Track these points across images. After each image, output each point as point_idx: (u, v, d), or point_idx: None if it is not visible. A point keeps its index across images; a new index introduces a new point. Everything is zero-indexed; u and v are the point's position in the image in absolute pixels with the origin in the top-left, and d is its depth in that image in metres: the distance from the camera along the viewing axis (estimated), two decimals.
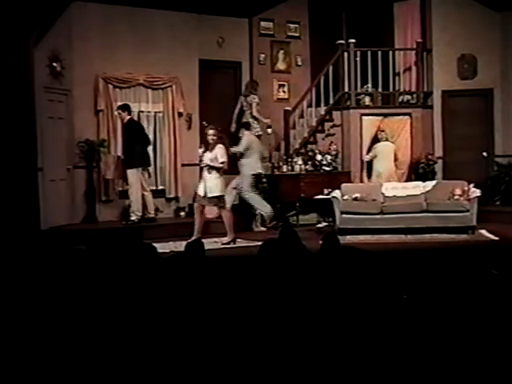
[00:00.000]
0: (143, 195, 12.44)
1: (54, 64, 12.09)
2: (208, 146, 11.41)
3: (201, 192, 11.38)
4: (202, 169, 11.67)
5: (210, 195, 11.31)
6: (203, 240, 6.09)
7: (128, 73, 13.15)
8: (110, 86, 13.00)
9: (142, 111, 13.46)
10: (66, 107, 12.53)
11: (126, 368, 3.75)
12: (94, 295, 4.47)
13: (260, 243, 5.43)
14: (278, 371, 3.64)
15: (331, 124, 14.14)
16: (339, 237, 7.31)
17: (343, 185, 12.85)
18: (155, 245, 5.89)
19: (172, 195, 13.69)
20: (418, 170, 13.78)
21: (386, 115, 14.05)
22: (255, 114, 13.96)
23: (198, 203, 11.54)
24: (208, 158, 11.29)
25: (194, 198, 11.98)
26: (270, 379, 3.62)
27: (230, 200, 12.10)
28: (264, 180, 13.26)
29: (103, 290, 4.57)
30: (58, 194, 12.09)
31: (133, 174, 12.24)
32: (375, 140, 13.87)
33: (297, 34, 15.01)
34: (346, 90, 14.10)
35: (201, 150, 11.60)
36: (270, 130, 13.95)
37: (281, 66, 14.94)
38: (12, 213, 10.14)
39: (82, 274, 4.89)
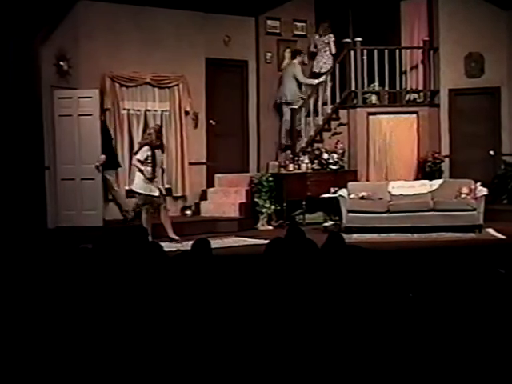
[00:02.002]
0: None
1: (61, 63, 12.12)
2: (159, 146, 11.35)
3: (156, 192, 11.21)
4: (154, 169, 11.29)
5: (164, 193, 11.34)
6: (209, 239, 6.09)
7: (135, 71, 13.18)
8: (117, 85, 13.04)
9: (149, 110, 13.50)
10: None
11: (131, 366, 3.76)
12: (100, 294, 4.48)
13: (265, 242, 5.44)
14: (285, 369, 3.65)
15: (338, 123, 14.14)
16: (346, 235, 7.36)
17: (350, 183, 12.86)
18: (161, 243, 5.91)
19: (179, 194, 13.72)
20: (424, 169, 13.76)
21: (392, 114, 14.05)
22: (334, 51, 14.46)
23: (157, 203, 11.32)
24: (161, 157, 11.28)
25: (146, 200, 11.36)
26: (276, 378, 3.62)
27: None
28: (271, 179, 13.29)
29: (110, 288, 4.58)
30: (66, 192, 12.09)
31: (113, 176, 12.26)
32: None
33: (303, 33, 15.00)
34: (353, 88, 14.09)
35: (149, 151, 11.25)
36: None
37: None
38: (19, 211, 10.16)
39: (89, 273, 4.91)
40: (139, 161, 11.23)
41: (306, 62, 14.82)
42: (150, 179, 11.14)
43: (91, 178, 12.07)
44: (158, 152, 11.24)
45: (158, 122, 13.46)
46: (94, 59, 12.58)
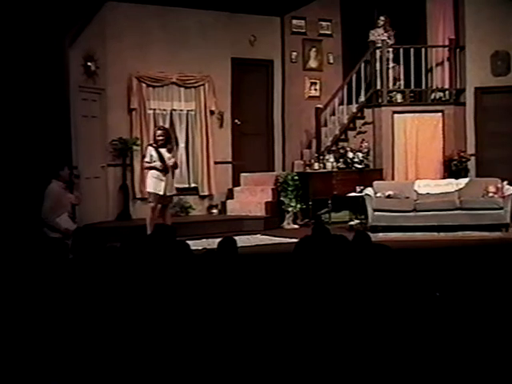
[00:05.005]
0: None
1: (89, 63, 12.27)
2: (165, 146, 11.16)
3: (161, 191, 10.97)
4: (165, 169, 11.03)
5: (171, 193, 11.17)
6: (235, 237, 6.12)
7: (161, 72, 13.29)
8: (143, 85, 13.16)
9: (175, 110, 13.60)
10: (99, 106, 12.70)
11: (161, 363, 3.79)
12: (128, 291, 4.52)
13: (291, 240, 5.47)
14: (315, 363, 3.67)
15: (363, 121, 14.13)
16: (371, 234, 7.34)
17: (375, 182, 12.88)
18: (188, 242, 5.95)
19: (205, 193, 13.79)
20: (450, 168, 13.70)
21: (418, 112, 14.04)
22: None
23: (159, 203, 11.08)
24: (167, 157, 11.12)
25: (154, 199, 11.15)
26: (309, 374, 3.65)
27: None
28: (296, 178, 13.33)
29: (137, 286, 4.63)
30: (92, 191, 12.22)
31: None
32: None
33: (329, 32, 15.00)
34: (378, 87, 14.10)
35: (153, 151, 11.08)
36: None
37: (313, 63, 14.94)
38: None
39: (117, 271, 4.96)
40: (147, 162, 11.16)
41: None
42: (160, 177, 11.00)
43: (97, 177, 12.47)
44: (163, 150, 11.08)
45: (184, 122, 13.63)
46: (121, 60, 12.73)
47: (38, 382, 3.72)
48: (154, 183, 11.02)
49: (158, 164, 10.95)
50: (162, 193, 10.97)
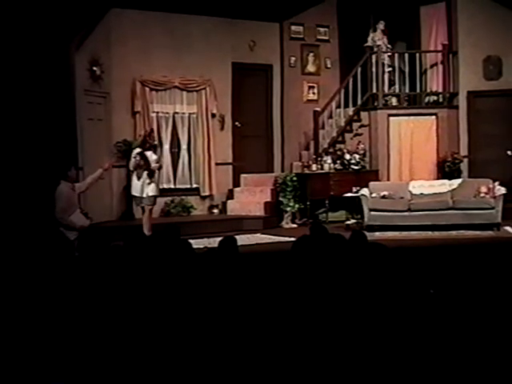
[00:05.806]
0: None
1: (94, 68, 12.54)
2: (151, 148, 11.53)
3: (137, 192, 11.32)
4: (151, 173, 11.40)
5: (152, 194, 11.38)
6: (236, 236, 6.24)
7: (164, 76, 13.57)
8: (147, 89, 13.44)
9: (177, 112, 13.88)
10: (104, 109, 13.00)
11: (163, 360, 3.91)
12: (131, 289, 4.64)
13: (289, 239, 5.64)
14: (312, 362, 3.77)
15: (359, 124, 14.35)
16: (367, 233, 7.56)
17: (371, 183, 13.11)
18: (190, 241, 6.15)
19: (206, 193, 14.05)
20: (444, 169, 13.89)
21: (412, 115, 14.28)
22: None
23: (141, 205, 11.45)
24: (153, 159, 11.44)
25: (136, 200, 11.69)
26: (307, 374, 3.74)
27: None
28: (295, 178, 13.58)
29: (140, 283, 4.75)
30: (97, 192, 12.47)
31: None
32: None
33: (326, 38, 15.20)
34: (374, 91, 14.34)
35: (137, 153, 11.46)
36: None
37: (311, 68, 15.17)
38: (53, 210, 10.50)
39: (120, 269, 5.07)
40: (136, 160, 11.44)
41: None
42: (145, 181, 11.31)
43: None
44: (149, 153, 11.42)
45: (186, 124, 13.92)
46: (125, 64, 13.01)
47: (41, 379, 3.80)
48: (135, 186, 11.37)
49: (139, 171, 11.30)
50: (137, 194, 11.34)
